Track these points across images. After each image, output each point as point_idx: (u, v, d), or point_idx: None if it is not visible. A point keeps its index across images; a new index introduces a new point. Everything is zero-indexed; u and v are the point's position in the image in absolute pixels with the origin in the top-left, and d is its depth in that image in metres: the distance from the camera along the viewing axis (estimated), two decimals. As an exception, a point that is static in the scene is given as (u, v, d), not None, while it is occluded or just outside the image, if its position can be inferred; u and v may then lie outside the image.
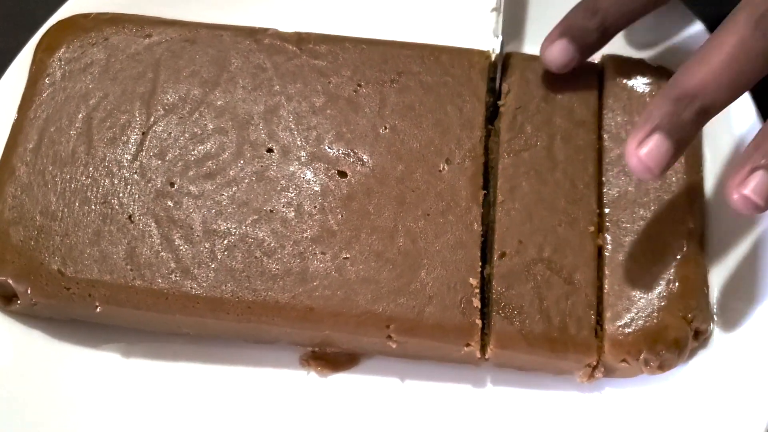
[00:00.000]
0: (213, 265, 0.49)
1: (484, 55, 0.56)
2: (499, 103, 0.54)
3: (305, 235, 0.50)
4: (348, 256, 0.49)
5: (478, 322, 0.48)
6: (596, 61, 0.56)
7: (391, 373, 0.51)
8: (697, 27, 0.57)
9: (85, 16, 0.57)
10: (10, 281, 0.49)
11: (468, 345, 0.48)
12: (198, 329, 0.51)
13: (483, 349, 0.49)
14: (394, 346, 0.49)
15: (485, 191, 0.51)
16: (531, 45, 0.59)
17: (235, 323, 0.49)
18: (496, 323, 0.48)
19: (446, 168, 0.52)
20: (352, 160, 0.52)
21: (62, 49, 0.55)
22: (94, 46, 0.56)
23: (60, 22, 0.57)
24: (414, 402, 0.51)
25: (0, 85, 0.55)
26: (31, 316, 0.51)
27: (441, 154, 0.52)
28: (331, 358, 0.52)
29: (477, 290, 0.49)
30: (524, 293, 0.49)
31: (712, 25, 0.57)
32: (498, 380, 0.51)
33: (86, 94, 0.54)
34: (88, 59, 0.55)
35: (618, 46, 0.56)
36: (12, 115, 0.54)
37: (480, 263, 0.49)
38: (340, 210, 0.51)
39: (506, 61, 0.56)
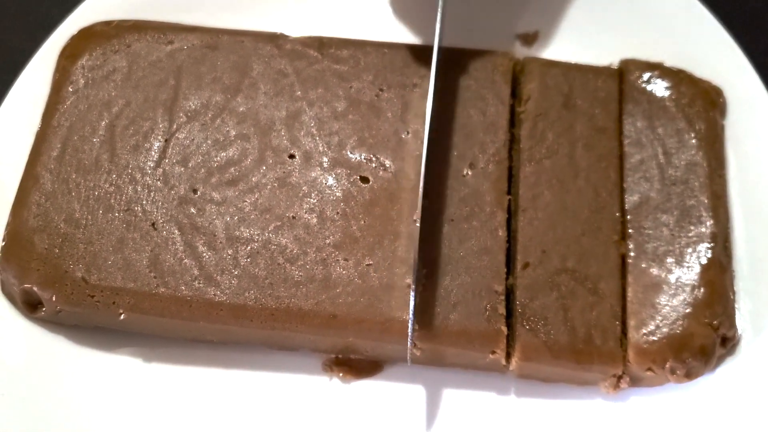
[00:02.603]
0: (236, 272, 0.49)
1: (508, 57, 0.55)
2: (519, 109, 0.54)
3: (328, 241, 0.50)
4: (371, 262, 0.49)
5: (504, 329, 0.48)
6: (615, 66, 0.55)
7: (414, 381, 0.51)
8: (715, 28, 0.56)
9: (107, 24, 0.57)
10: (36, 289, 0.49)
11: (493, 353, 0.48)
12: (222, 336, 0.51)
13: (508, 357, 0.48)
14: (418, 353, 0.48)
15: (509, 196, 0.51)
16: (544, 49, 0.59)
17: (258, 330, 0.49)
18: (520, 335, 0.48)
19: (470, 173, 0.52)
20: (374, 165, 0.52)
21: (85, 57, 0.55)
22: (116, 53, 0.55)
23: (82, 30, 0.57)
24: (437, 410, 0.51)
25: (17, 86, 0.55)
26: (55, 323, 0.51)
27: (464, 159, 0.52)
28: (354, 364, 0.51)
29: (502, 297, 0.48)
30: (548, 304, 0.48)
31: (729, 24, 0.56)
32: (522, 389, 0.51)
33: (109, 102, 0.54)
34: (111, 67, 0.55)
35: (636, 49, 0.56)
36: (29, 115, 0.54)
37: (505, 269, 0.49)
38: (362, 216, 0.51)
39: (524, 66, 0.55)
